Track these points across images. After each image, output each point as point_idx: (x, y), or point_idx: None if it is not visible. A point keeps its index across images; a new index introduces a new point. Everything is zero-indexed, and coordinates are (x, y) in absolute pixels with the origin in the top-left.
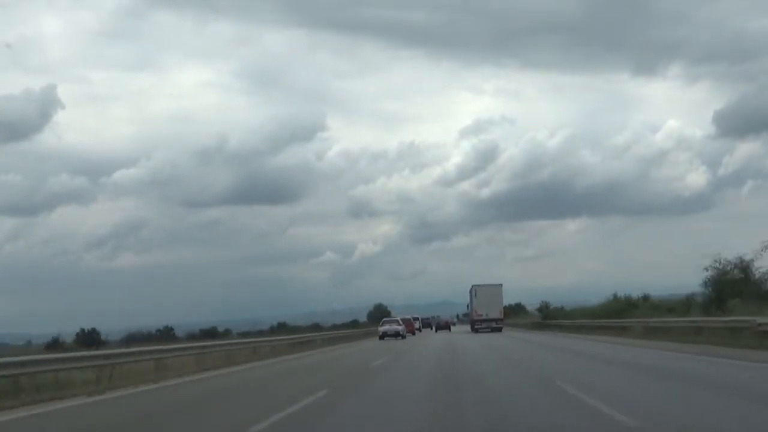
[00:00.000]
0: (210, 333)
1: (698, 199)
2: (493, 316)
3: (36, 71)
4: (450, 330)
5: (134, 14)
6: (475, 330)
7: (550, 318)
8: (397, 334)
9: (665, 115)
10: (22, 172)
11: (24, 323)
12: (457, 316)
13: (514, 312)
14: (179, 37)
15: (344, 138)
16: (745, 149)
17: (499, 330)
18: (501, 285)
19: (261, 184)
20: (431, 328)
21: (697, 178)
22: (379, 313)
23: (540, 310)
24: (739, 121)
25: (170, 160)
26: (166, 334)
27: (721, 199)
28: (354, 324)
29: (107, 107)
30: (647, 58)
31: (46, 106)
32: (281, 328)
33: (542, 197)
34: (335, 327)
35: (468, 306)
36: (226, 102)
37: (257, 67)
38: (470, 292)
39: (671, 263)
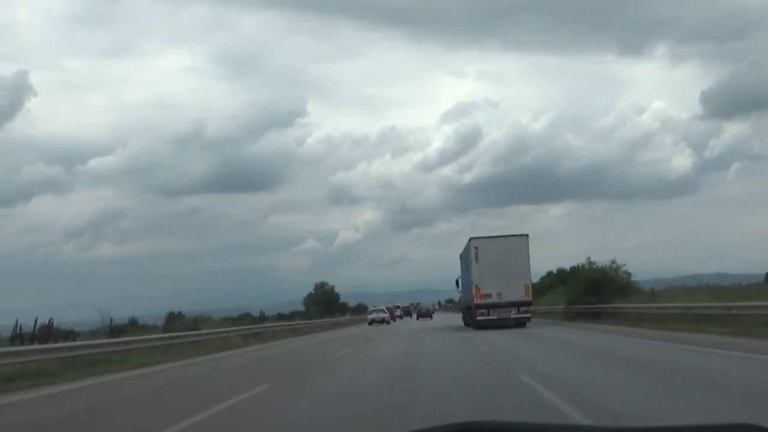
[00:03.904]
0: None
1: (684, 182)
2: (512, 296)
3: (6, 58)
4: (431, 318)
5: None
6: (475, 324)
7: None
8: (383, 321)
9: (651, 96)
10: None
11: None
12: (439, 302)
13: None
14: (155, 22)
15: (325, 123)
16: (733, 130)
17: (523, 324)
18: (527, 236)
19: (240, 171)
20: (410, 316)
21: (682, 161)
22: (323, 296)
23: None
24: (727, 101)
25: (147, 148)
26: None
27: (707, 182)
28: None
29: (82, 94)
30: (633, 38)
31: (17, 94)
32: (173, 320)
33: (526, 182)
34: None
35: (458, 282)
36: (203, 88)
37: (235, 52)
38: (464, 255)
39: (655, 247)
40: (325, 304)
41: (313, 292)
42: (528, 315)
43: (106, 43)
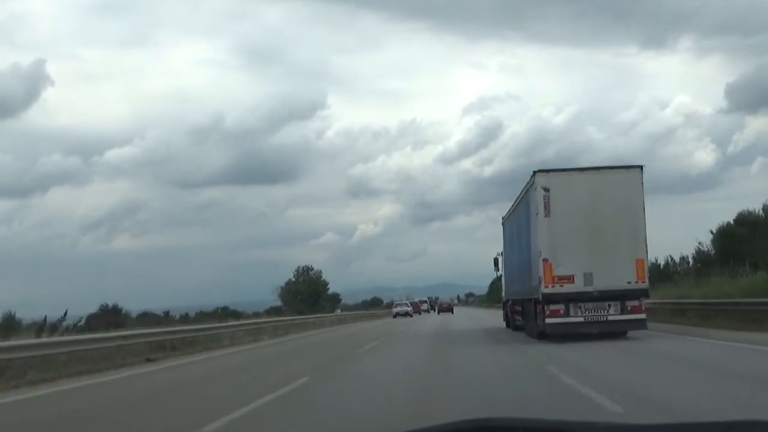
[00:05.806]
0: None
1: (706, 177)
2: (612, 281)
3: (23, 47)
4: (452, 312)
5: None
6: (538, 330)
7: None
8: (406, 314)
9: (674, 90)
10: (12, 151)
11: (16, 307)
12: (458, 297)
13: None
14: (174, 12)
15: (345, 116)
16: (757, 124)
17: (623, 332)
18: (640, 169)
19: (259, 163)
20: (433, 310)
21: (705, 156)
22: (306, 285)
23: None
24: (752, 95)
25: (165, 140)
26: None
27: (729, 177)
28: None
29: (99, 84)
30: (657, 31)
31: (34, 83)
32: (114, 313)
33: None
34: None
35: (496, 261)
36: (222, 79)
37: (255, 43)
38: (515, 211)
39: (677, 243)
40: (308, 296)
41: (293, 279)
42: (642, 316)
43: (124, 33)
